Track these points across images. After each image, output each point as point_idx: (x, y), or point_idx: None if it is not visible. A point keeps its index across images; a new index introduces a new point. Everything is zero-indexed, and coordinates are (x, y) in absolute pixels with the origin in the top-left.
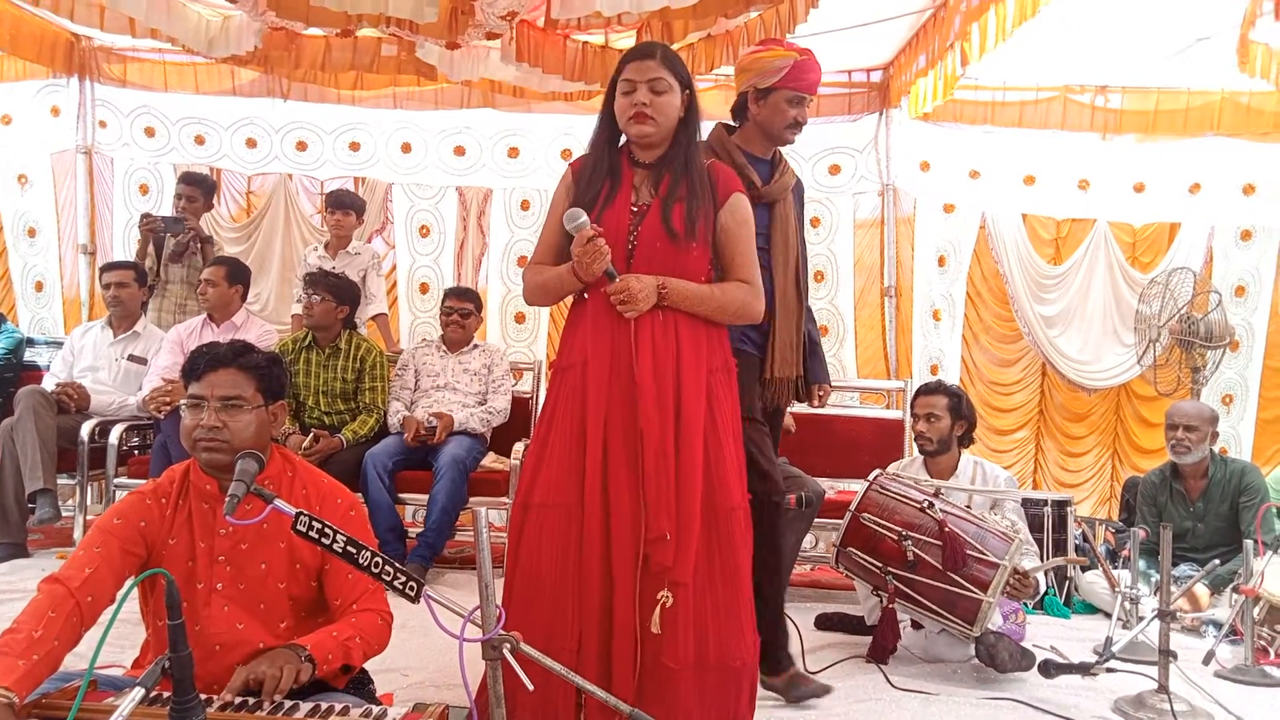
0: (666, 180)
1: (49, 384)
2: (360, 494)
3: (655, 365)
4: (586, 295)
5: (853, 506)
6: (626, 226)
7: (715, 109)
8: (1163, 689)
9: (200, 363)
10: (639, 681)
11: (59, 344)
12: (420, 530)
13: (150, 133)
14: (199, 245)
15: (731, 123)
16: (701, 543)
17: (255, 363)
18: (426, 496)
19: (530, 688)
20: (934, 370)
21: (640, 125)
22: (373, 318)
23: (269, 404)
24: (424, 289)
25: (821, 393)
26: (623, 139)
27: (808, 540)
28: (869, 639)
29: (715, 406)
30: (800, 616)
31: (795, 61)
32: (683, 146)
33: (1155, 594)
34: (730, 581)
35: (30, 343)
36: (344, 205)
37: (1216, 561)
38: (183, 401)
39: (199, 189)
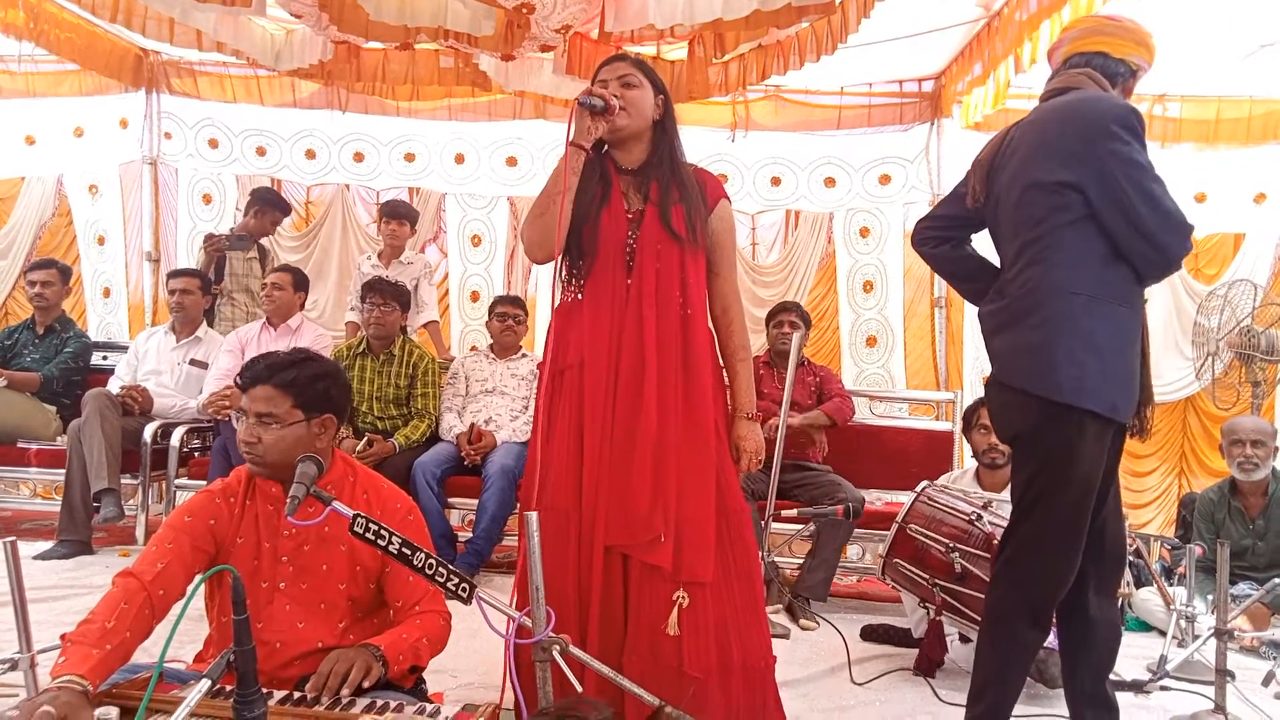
0: (655, 185)
1: (114, 387)
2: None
3: (662, 368)
4: (581, 295)
5: (900, 518)
6: (625, 231)
7: (766, 118)
8: (1220, 709)
9: (246, 377)
10: (662, 688)
11: (124, 348)
12: (469, 536)
13: (214, 144)
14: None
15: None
16: (715, 543)
17: (290, 380)
18: (475, 502)
19: (579, 689)
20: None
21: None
22: (424, 325)
23: (311, 418)
24: (475, 297)
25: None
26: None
27: (854, 551)
28: (914, 651)
29: (718, 410)
30: (846, 628)
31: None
32: (664, 152)
33: (1212, 612)
34: (746, 581)
35: (97, 346)
36: (399, 215)
37: (1277, 580)
38: (233, 412)
39: (283, 213)
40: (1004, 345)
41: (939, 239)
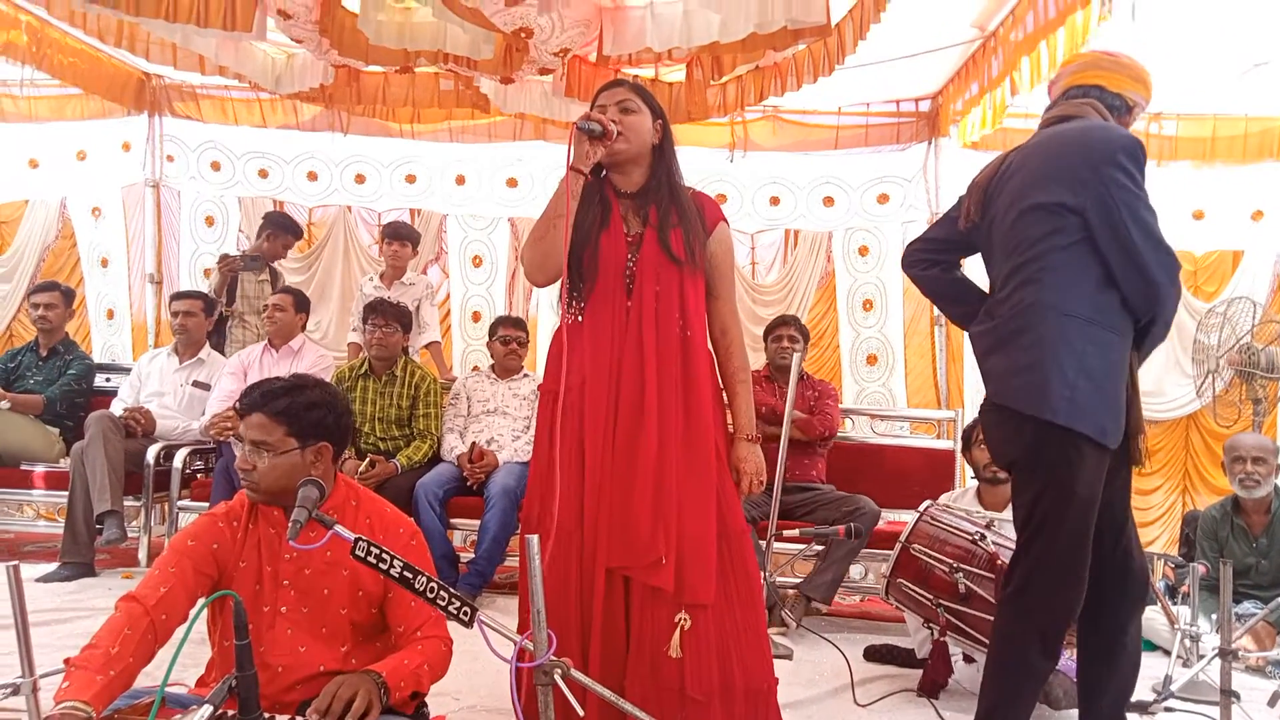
0: (654, 209)
1: (117, 409)
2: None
3: (662, 389)
4: (581, 317)
5: (903, 538)
6: (624, 254)
7: (764, 139)
8: None
9: (242, 404)
10: (663, 711)
11: (127, 370)
12: (471, 557)
13: (216, 166)
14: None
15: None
16: (717, 565)
17: (283, 408)
18: (477, 522)
19: (581, 713)
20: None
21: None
22: (426, 346)
23: (306, 446)
24: (476, 318)
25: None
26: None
27: (857, 570)
28: (918, 672)
29: (718, 431)
30: (849, 648)
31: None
32: (663, 176)
33: (1216, 631)
34: (748, 603)
35: (100, 368)
36: (400, 236)
37: None
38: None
39: (295, 236)
40: (997, 366)
41: (929, 261)
